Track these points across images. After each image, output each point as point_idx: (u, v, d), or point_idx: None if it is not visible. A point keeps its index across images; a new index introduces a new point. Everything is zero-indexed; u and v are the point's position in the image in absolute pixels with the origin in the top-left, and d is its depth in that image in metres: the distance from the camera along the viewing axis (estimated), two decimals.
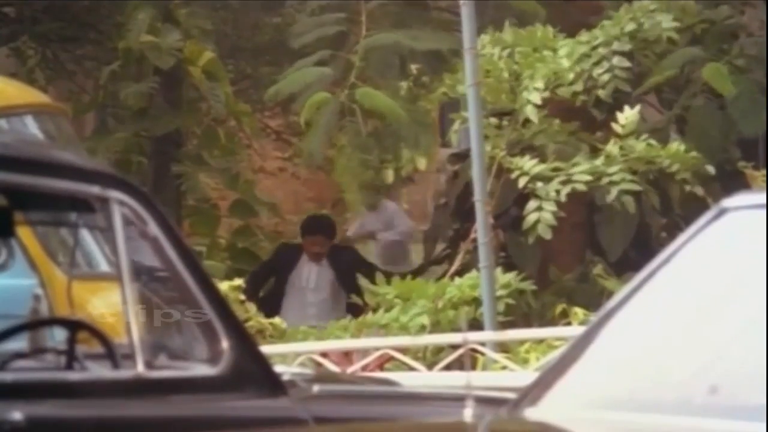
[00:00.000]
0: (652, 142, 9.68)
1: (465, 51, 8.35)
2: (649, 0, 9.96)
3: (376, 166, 11.50)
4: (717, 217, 3.30)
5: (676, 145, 9.72)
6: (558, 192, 9.34)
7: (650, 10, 9.91)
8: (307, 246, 11.60)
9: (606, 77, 9.60)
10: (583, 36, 9.79)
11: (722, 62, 10.10)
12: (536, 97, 9.58)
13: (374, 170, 11.61)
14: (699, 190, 9.71)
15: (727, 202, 3.32)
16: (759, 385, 3.02)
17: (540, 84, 9.59)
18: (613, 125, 9.64)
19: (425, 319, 8.85)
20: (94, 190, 3.85)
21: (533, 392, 3.25)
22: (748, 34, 10.62)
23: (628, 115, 9.56)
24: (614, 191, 9.49)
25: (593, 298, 9.26)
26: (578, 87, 9.63)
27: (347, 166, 10.60)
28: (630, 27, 9.79)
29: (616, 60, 9.69)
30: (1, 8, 13.76)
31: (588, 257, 10.54)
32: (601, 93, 9.62)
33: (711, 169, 9.72)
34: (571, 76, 9.62)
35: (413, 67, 11.56)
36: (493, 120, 9.82)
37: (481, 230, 8.33)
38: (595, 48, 9.72)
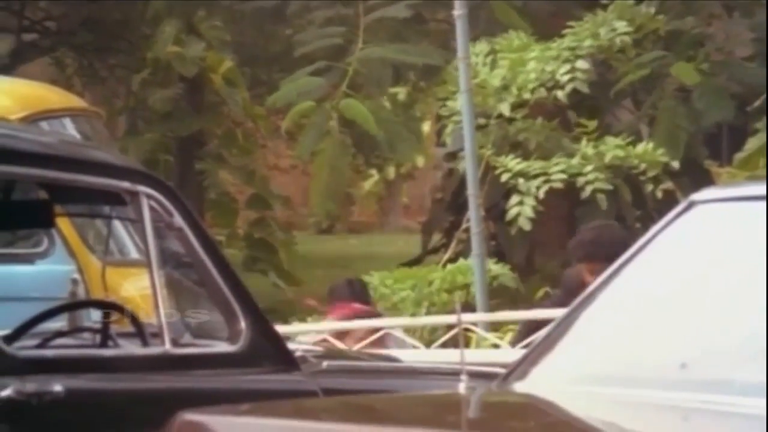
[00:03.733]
0: (621, 142, 9.78)
1: (459, 60, 8.35)
2: (610, 12, 10.06)
3: (357, 166, 11.49)
4: (686, 210, 3.29)
5: (644, 146, 9.76)
6: (538, 188, 9.42)
7: (609, 19, 10.01)
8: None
9: (566, 78, 9.68)
10: (553, 43, 9.88)
11: (692, 68, 10.17)
12: (511, 98, 9.69)
13: (351, 174, 11.58)
14: (668, 186, 9.75)
15: (695, 196, 3.32)
16: (724, 361, 3.02)
17: (514, 88, 9.69)
18: (585, 126, 9.78)
19: (411, 298, 8.85)
20: (126, 185, 3.85)
21: (520, 368, 3.25)
22: (715, 43, 10.70)
23: (591, 122, 9.71)
24: (589, 189, 9.56)
25: None
26: (543, 88, 9.72)
27: (320, 164, 10.62)
28: (588, 34, 9.89)
29: (578, 63, 9.76)
30: (43, 22, 13.80)
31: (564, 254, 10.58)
32: (560, 93, 9.71)
33: (676, 164, 9.77)
34: (533, 76, 9.69)
35: (411, 74, 11.58)
36: (482, 120, 9.85)
37: (474, 222, 8.33)
38: (560, 53, 9.81)
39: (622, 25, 9.96)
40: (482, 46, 9.82)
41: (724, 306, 3.13)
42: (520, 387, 3.19)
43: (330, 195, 10.96)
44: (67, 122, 6.31)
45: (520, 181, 9.47)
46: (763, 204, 3.16)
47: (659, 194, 9.73)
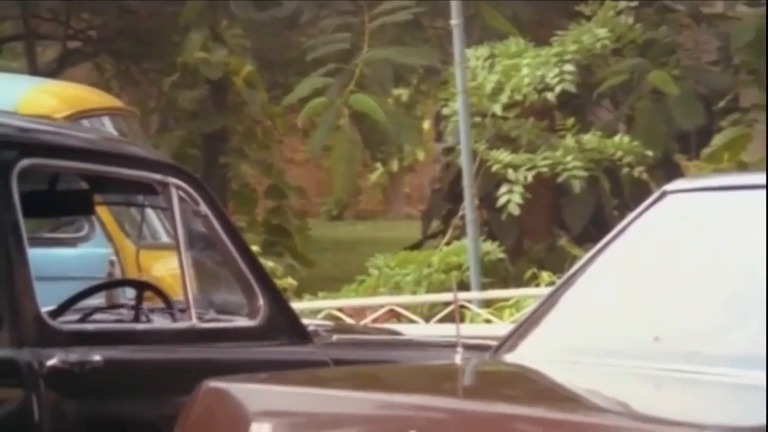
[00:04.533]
0: (598, 135, 9.86)
1: (455, 65, 8.34)
2: (593, 22, 10.13)
3: (365, 160, 11.56)
4: (659, 199, 3.29)
5: (620, 137, 9.82)
6: (525, 177, 9.50)
7: (592, 27, 10.08)
8: None
9: (555, 80, 9.73)
10: (542, 50, 9.93)
11: (667, 75, 10.23)
12: (504, 99, 9.75)
13: (362, 163, 11.65)
14: (644, 176, 9.80)
15: (667, 186, 3.32)
16: (692, 335, 3.02)
17: (508, 89, 9.74)
18: (566, 123, 9.88)
19: (411, 278, 8.84)
20: (157, 177, 3.84)
21: (510, 340, 3.24)
22: (685, 50, 10.77)
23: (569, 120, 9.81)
24: (565, 175, 9.65)
25: (559, 265, 9.30)
26: (534, 90, 9.77)
27: (337, 158, 10.66)
28: (572, 41, 9.95)
29: (566, 67, 9.81)
30: (85, 32, 13.84)
31: (555, 232, 10.61)
32: (549, 95, 9.76)
33: (650, 154, 9.84)
34: (527, 80, 9.73)
35: (413, 78, 11.60)
36: (477, 119, 9.86)
37: (469, 210, 8.34)
38: (549, 59, 9.85)
39: (603, 32, 9.99)
40: (483, 50, 9.86)
41: (692, 286, 3.12)
42: (510, 358, 3.19)
43: (347, 183, 11.08)
44: (106, 120, 6.30)
45: (510, 171, 9.54)
46: (730, 193, 3.16)
47: (635, 178, 9.80)
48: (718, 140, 10.56)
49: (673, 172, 9.86)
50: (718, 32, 11.09)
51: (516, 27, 10.46)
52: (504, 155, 9.63)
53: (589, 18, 10.10)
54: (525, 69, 9.73)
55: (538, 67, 9.75)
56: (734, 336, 2.96)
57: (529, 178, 9.49)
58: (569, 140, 9.79)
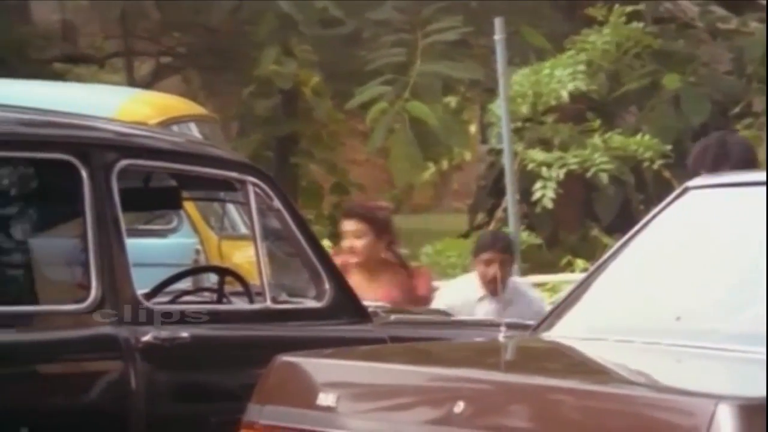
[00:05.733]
0: (622, 133, 9.90)
1: (499, 76, 8.33)
2: (605, 28, 10.15)
3: (419, 159, 11.66)
4: (681, 194, 3.26)
5: (640, 135, 9.79)
6: (558, 174, 9.56)
7: (603, 32, 10.10)
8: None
9: (568, 78, 9.77)
10: (563, 55, 10.01)
11: (680, 80, 10.29)
12: (540, 106, 9.80)
13: (417, 162, 11.75)
14: (666, 174, 9.82)
15: (689, 183, 3.29)
16: (711, 315, 2.99)
17: (543, 97, 9.81)
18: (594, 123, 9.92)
19: (458, 263, 9.00)
20: (236, 175, 3.85)
21: (548, 320, 3.23)
22: (703, 63, 10.82)
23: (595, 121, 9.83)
24: (593, 170, 9.67)
25: (591, 253, 9.27)
26: (564, 92, 9.81)
27: (395, 157, 10.65)
28: (584, 46, 9.98)
29: (578, 67, 9.85)
30: (175, 48, 13.97)
31: (587, 223, 10.59)
32: (564, 93, 9.80)
33: (668, 148, 9.90)
34: (557, 86, 9.77)
35: (461, 87, 11.66)
36: (518, 123, 9.87)
37: (511, 204, 8.30)
38: (564, 60, 9.92)
39: (609, 34, 10.01)
40: (525, 71, 9.93)
41: (711, 271, 3.09)
42: (547, 335, 3.17)
43: (408, 177, 11.15)
44: (192, 126, 6.31)
45: (544, 169, 9.59)
46: (745, 189, 3.12)
47: (659, 176, 9.82)
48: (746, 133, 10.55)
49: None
50: (733, 46, 11.10)
51: (550, 42, 10.50)
52: (539, 155, 9.67)
53: (601, 23, 10.17)
54: (555, 75, 9.78)
55: (556, 68, 9.82)
56: (747, 316, 2.93)
57: (561, 176, 9.50)
58: (597, 140, 9.82)
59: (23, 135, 3.55)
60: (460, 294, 5.47)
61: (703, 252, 3.15)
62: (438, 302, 5.22)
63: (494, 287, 5.41)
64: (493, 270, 5.43)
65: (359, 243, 5.18)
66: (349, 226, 5.26)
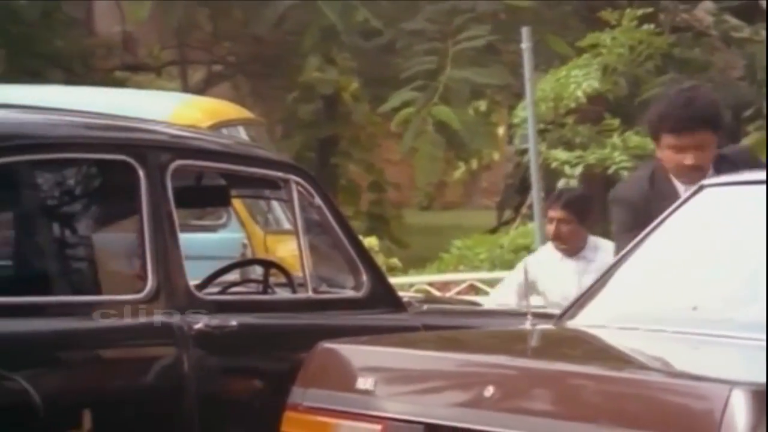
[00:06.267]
0: (641, 134, 9.88)
1: (525, 82, 8.32)
2: (617, 31, 10.10)
3: (449, 159, 11.66)
4: (698, 191, 3.23)
5: None
6: (579, 172, 9.59)
7: (616, 36, 10.05)
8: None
9: (585, 84, 9.74)
10: (580, 59, 9.98)
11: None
12: (561, 108, 9.80)
13: (445, 165, 11.76)
14: None
15: (705, 181, 3.26)
16: (725, 305, 2.96)
17: (565, 100, 9.80)
18: (612, 123, 9.90)
19: (485, 257, 9.01)
20: (280, 175, 3.85)
21: (571, 310, 3.20)
22: (717, 69, 10.78)
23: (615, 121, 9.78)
24: (614, 168, 9.66)
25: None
26: (582, 94, 9.78)
27: (420, 157, 10.67)
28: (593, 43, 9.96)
29: (593, 67, 9.82)
30: (226, 57, 14.06)
31: (608, 218, 10.52)
32: (579, 93, 9.78)
33: None
34: (573, 87, 9.74)
35: (489, 92, 11.68)
36: (541, 125, 9.87)
37: (536, 200, 8.27)
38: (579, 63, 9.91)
39: (621, 36, 9.95)
40: (548, 77, 9.92)
41: (725, 264, 3.06)
42: (571, 324, 3.15)
43: (429, 177, 11.14)
44: (240, 129, 6.33)
45: (566, 167, 9.62)
46: (758, 187, 3.09)
47: None
48: (745, 142, 10.49)
49: None
50: (745, 53, 11.04)
51: (574, 49, 10.49)
52: (561, 154, 9.70)
53: (613, 27, 10.15)
54: (567, 74, 9.77)
55: (572, 70, 9.82)
56: (760, 306, 2.89)
57: (579, 170, 9.54)
58: (615, 139, 9.82)
59: (87, 138, 3.57)
60: (542, 257, 5.19)
61: (718, 246, 3.12)
62: (522, 270, 4.95)
63: (565, 246, 4.98)
64: (554, 227, 5.02)
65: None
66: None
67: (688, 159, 3.65)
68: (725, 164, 3.67)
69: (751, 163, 3.82)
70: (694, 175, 3.59)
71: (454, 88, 10.74)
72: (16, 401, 3.20)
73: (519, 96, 9.79)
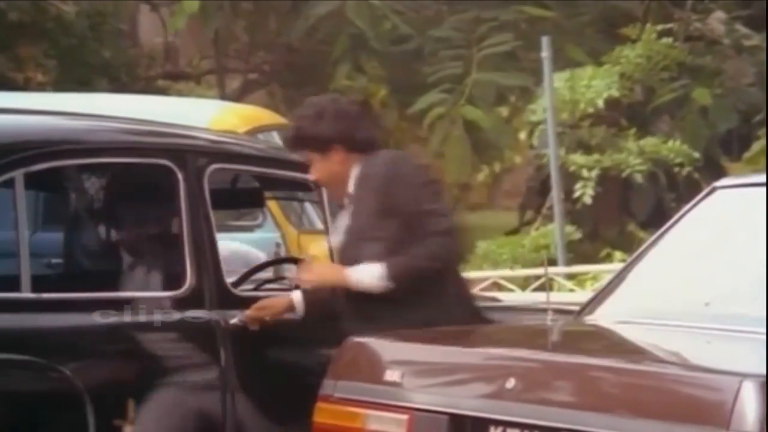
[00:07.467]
0: (656, 139, 9.83)
1: (545, 86, 8.30)
2: (638, 45, 10.08)
3: (471, 166, 11.74)
4: (710, 193, 3.22)
5: (672, 141, 9.72)
6: (594, 175, 9.59)
7: (636, 48, 9.97)
8: None
9: (606, 93, 9.75)
10: (600, 68, 9.99)
11: (708, 94, 10.23)
12: (578, 113, 9.75)
13: (470, 169, 11.82)
14: (695, 175, 9.79)
15: (717, 183, 3.24)
16: (737, 301, 2.94)
17: (582, 104, 9.79)
18: (629, 129, 9.88)
19: (507, 256, 9.08)
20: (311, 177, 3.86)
21: (590, 306, 3.19)
22: (729, 76, 10.78)
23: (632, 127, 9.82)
24: (628, 171, 9.59)
25: (628, 246, 9.21)
26: (601, 100, 9.78)
27: (449, 158, 10.70)
28: (616, 60, 9.90)
29: (613, 77, 9.82)
30: (261, 66, 14.13)
31: (624, 219, 10.53)
32: (600, 101, 9.79)
33: (697, 155, 9.82)
34: (593, 95, 9.75)
35: (512, 98, 11.70)
36: (559, 129, 9.84)
37: (556, 202, 8.25)
38: (599, 72, 9.90)
39: (641, 48, 9.84)
40: (565, 74, 9.91)
41: (736, 262, 3.04)
42: (590, 320, 3.14)
43: (459, 177, 11.22)
44: (275, 134, 6.33)
45: (584, 171, 9.63)
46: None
47: (688, 176, 9.81)
48: (756, 146, 10.52)
49: (719, 172, 9.76)
50: (755, 60, 11.02)
51: (590, 57, 10.52)
52: (579, 158, 9.70)
53: (634, 41, 10.14)
54: (588, 83, 9.77)
55: (593, 79, 9.82)
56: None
57: (596, 171, 9.54)
58: (631, 144, 9.81)
59: (129, 143, 3.59)
60: None
61: (729, 245, 3.10)
62: None
63: None
64: None
65: None
66: None
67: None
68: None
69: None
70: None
71: (480, 90, 10.84)
72: (65, 392, 3.22)
73: (536, 97, 9.83)
